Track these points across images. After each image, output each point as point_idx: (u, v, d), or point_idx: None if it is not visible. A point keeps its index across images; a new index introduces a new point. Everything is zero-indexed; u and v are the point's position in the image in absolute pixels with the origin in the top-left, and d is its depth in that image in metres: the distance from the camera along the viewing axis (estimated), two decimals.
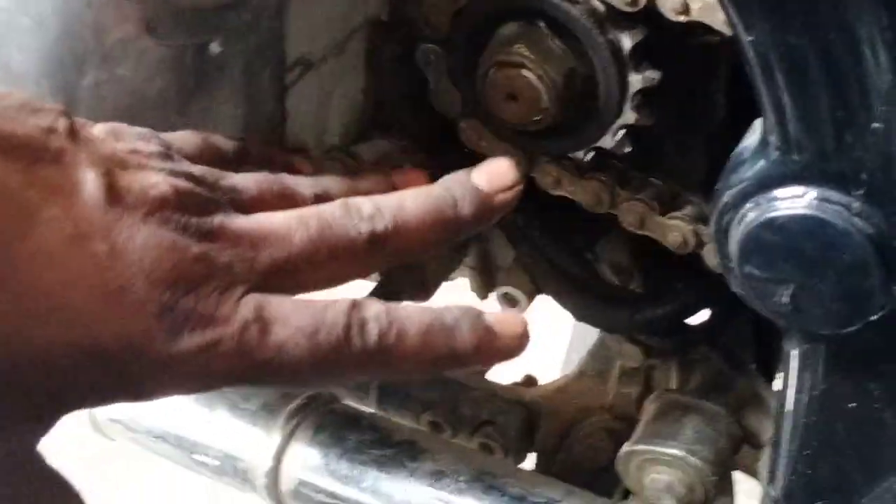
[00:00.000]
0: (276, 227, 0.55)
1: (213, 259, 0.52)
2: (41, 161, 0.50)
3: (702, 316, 0.91)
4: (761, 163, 0.57)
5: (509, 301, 0.93)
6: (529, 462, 1.04)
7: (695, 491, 0.82)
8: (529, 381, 1.07)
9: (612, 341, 0.92)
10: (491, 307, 0.96)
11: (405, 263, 0.69)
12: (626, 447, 0.85)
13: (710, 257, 0.76)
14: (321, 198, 0.61)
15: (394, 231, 0.58)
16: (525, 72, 0.71)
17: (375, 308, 0.55)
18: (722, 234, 0.60)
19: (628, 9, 0.67)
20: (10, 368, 0.46)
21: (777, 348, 0.96)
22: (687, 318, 0.88)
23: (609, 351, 0.96)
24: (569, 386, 1.01)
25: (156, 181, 0.53)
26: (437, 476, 0.84)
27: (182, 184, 0.54)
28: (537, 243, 0.87)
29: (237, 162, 0.64)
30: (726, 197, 0.59)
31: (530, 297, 0.90)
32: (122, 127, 0.57)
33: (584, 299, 0.87)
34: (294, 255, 0.55)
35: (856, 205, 0.55)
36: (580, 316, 0.88)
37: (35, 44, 0.63)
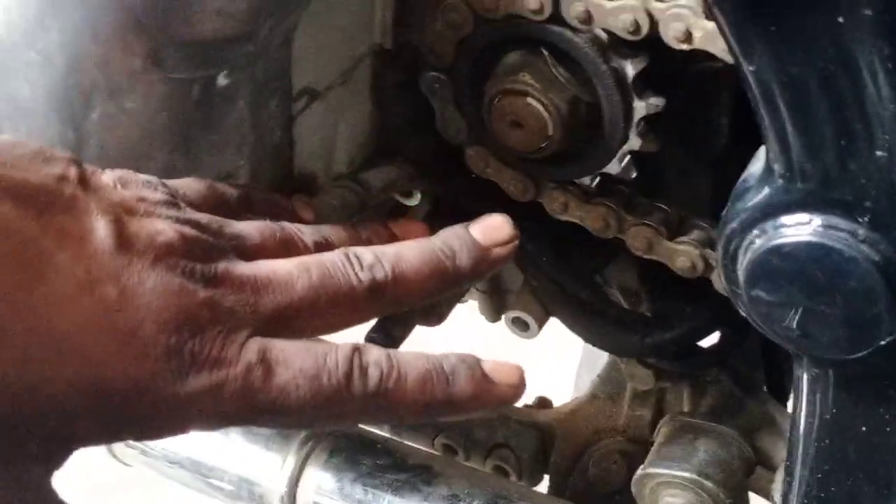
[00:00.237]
0: (279, 273, 0.57)
1: (218, 303, 0.54)
2: (54, 208, 0.52)
3: (712, 339, 0.91)
4: (766, 190, 0.57)
5: (520, 325, 0.93)
6: (543, 485, 1.04)
7: None
8: (543, 403, 1.07)
9: (622, 364, 0.92)
10: (501, 331, 0.97)
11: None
12: (640, 471, 0.85)
13: (719, 282, 0.76)
14: (322, 246, 0.62)
15: (393, 280, 0.60)
16: (530, 100, 0.71)
17: (376, 354, 0.56)
18: (729, 261, 0.60)
19: (631, 37, 0.68)
20: (23, 408, 0.48)
21: (787, 370, 0.96)
22: (697, 341, 0.88)
23: (620, 374, 0.96)
24: (581, 408, 1.00)
25: (162, 228, 0.55)
26: (451, 500, 0.84)
27: (188, 231, 0.56)
28: (546, 268, 0.87)
29: (241, 209, 0.66)
30: (733, 223, 0.59)
31: (540, 322, 0.90)
32: (129, 174, 0.58)
33: (593, 323, 0.87)
34: (296, 302, 0.56)
35: (861, 232, 0.55)
36: (590, 340, 0.88)
37: (42, 78, 0.63)
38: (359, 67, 0.79)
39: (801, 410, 0.66)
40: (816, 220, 0.56)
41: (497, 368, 0.60)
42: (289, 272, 0.57)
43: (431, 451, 1.03)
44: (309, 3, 0.67)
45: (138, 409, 0.51)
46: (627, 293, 0.95)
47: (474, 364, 0.59)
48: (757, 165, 0.58)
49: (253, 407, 0.53)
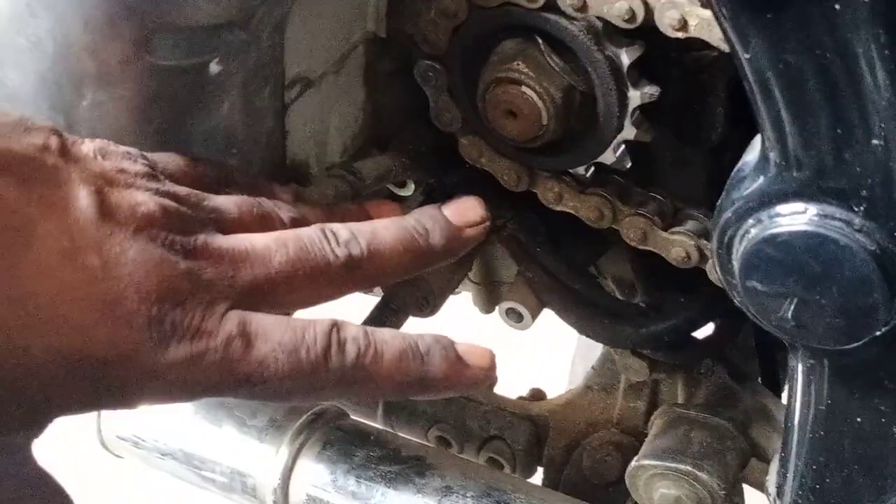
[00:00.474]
0: (257, 247, 0.58)
1: (198, 275, 0.55)
2: (37, 177, 0.52)
3: (706, 330, 0.91)
4: (762, 179, 0.57)
5: (514, 316, 0.92)
6: (537, 477, 1.04)
7: None
8: (536, 395, 1.07)
9: (616, 356, 0.92)
10: (495, 322, 0.96)
11: (376, 286, 0.74)
12: (634, 462, 0.85)
13: (713, 272, 0.76)
14: (298, 222, 0.63)
15: (368, 256, 0.61)
16: (524, 88, 0.71)
17: (354, 330, 0.58)
18: (724, 251, 0.60)
19: (626, 25, 0.67)
20: (6, 374, 0.48)
21: (781, 361, 0.96)
22: (691, 332, 0.87)
23: (614, 365, 0.95)
24: (575, 400, 1.00)
25: (143, 199, 0.55)
26: (445, 492, 0.84)
27: (167, 203, 0.56)
28: (540, 258, 0.87)
29: (220, 185, 0.66)
30: (728, 213, 0.59)
31: (534, 313, 0.90)
32: (109, 145, 0.58)
33: (588, 314, 0.86)
34: (273, 275, 0.57)
35: (857, 221, 0.54)
36: (584, 331, 0.87)
37: (32, 65, 0.63)
38: (352, 55, 0.79)
39: (796, 401, 0.65)
40: (812, 210, 0.56)
41: (470, 351, 0.61)
42: (266, 246, 0.58)
43: (425, 442, 1.03)
44: None
45: (119, 378, 0.52)
46: (621, 284, 0.95)
47: (448, 345, 0.61)
48: (752, 154, 0.58)
49: (232, 378, 0.55)
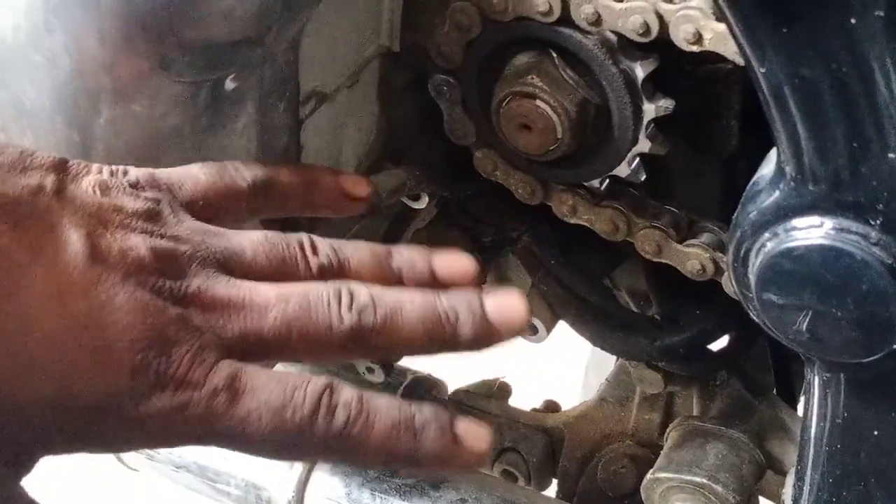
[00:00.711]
0: (255, 299, 0.55)
1: (187, 322, 0.53)
2: (28, 221, 0.51)
3: (721, 342, 0.91)
4: (778, 193, 0.57)
5: (529, 329, 0.93)
6: (552, 489, 1.04)
7: None
8: (551, 407, 1.07)
9: (631, 368, 0.92)
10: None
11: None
12: (649, 475, 0.85)
13: (729, 285, 0.76)
14: (328, 271, 0.59)
15: (381, 329, 0.56)
16: (539, 102, 0.71)
17: (348, 395, 0.54)
18: (740, 264, 0.60)
19: (641, 39, 0.67)
20: None
21: (796, 373, 0.96)
22: (706, 344, 0.87)
23: (629, 378, 0.95)
24: (590, 412, 1.00)
25: (134, 243, 0.54)
26: None
27: (162, 245, 0.55)
28: (555, 271, 0.87)
29: (256, 196, 0.64)
30: (744, 226, 0.59)
31: (549, 325, 0.90)
32: (112, 179, 0.57)
33: (603, 327, 0.86)
34: (264, 332, 0.55)
35: (874, 234, 0.54)
36: (599, 343, 0.87)
37: (48, 81, 0.63)
38: (366, 70, 0.79)
39: (812, 414, 0.65)
40: (828, 223, 0.55)
41: (468, 431, 0.56)
42: (265, 299, 0.55)
43: None
44: (317, 5, 0.67)
45: (101, 425, 0.51)
46: (636, 296, 0.95)
47: (446, 424, 0.56)
48: (768, 168, 0.58)
49: (213, 432, 0.52)
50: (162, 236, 0.56)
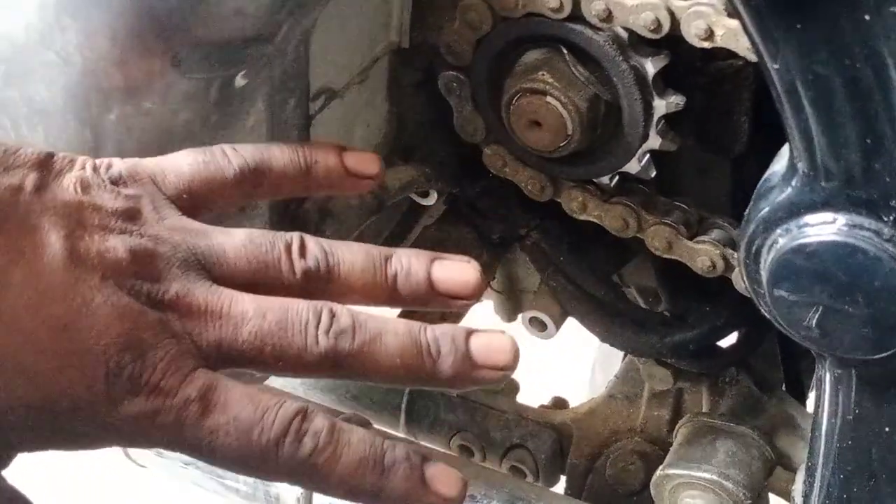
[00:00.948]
0: (233, 309, 0.54)
1: (164, 327, 0.52)
2: (5, 224, 0.51)
3: (730, 338, 0.91)
4: (790, 189, 0.57)
5: (537, 325, 0.93)
6: (560, 486, 1.04)
7: None
8: (559, 403, 1.07)
9: (640, 364, 0.92)
10: (518, 330, 0.96)
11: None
12: (659, 471, 0.85)
13: (739, 281, 0.76)
14: (315, 278, 0.57)
15: (356, 355, 0.55)
16: (549, 99, 0.71)
17: (320, 423, 0.53)
18: (751, 260, 0.60)
19: (652, 35, 0.67)
20: None
21: (805, 369, 0.96)
22: (716, 341, 0.87)
23: (638, 374, 0.95)
24: (598, 409, 1.00)
25: (112, 245, 0.53)
26: (468, 501, 0.84)
27: (142, 246, 0.54)
28: (564, 267, 0.87)
29: (245, 182, 0.62)
30: (756, 223, 0.59)
31: (558, 322, 0.90)
32: (93, 177, 0.56)
33: (612, 323, 0.86)
34: (239, 344, 0.54)
35: (887, 231, 0.54)
36: (608, 340, 0.87)
37: (60, 79, 0.63)
38: (376, 66, 0.79)
39: (823, 411, 0.65)
40: (841, 220, 0.55)
41: (439, 476, 0.55)
42: (244, 310, 0.54)
43: (448, 451, 1.03)
44: (328, 2, 0.67)
45: (77, 426, 0.51)
46: (645, 293, 0.95)
47: (417, 464, 0.55)
48: (780, 164, 0.58)
49: (182, 441, 0.52)
50: (141, 236, 0.55)
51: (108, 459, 1.08)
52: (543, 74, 0.71)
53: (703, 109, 0.74)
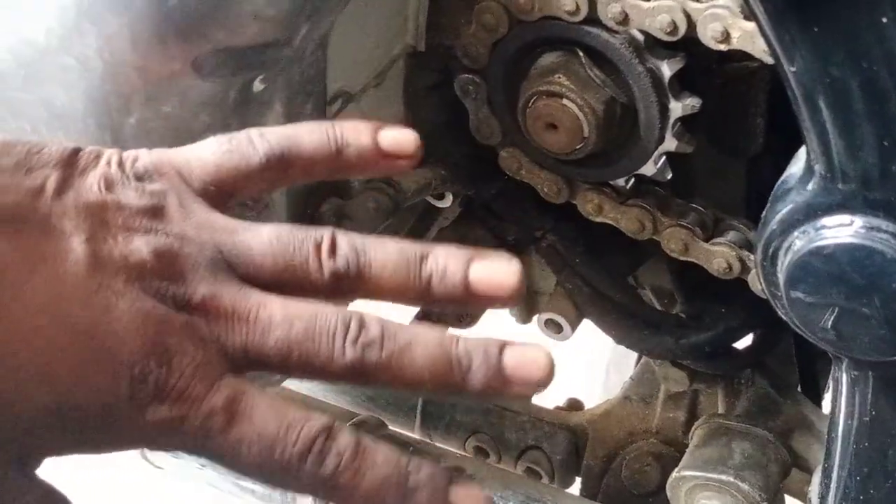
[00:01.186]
0: (261, 314, 0.53)
1: (190, 332, 0.51)
2: (26, 228, 0.50)
3: (746, 340, 0.91)
4: (807, 191, 0.57)
5: (553, 327, 0.93)
6: (575, 487, 1.04)
7: None
8: (574, 405, 1.07)
9: (656, 366, 0.92)
10: (533, 332, 0.96)
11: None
12: (675, 473, 0.85)
13: (755, 283, 0.76)
14: (344, 278, 0.56)
15: (384, 367, 0.53)
16: (565, 101, 0.71)
17: (344, 442, 0.52)
18: (769, 262, 0.60)
19: (668, 38, 0.67)
20: None
21: (821, 371, 0.96)
22: (731, 342, 0.87)
23: (653, 376, 0.95)
24: (614, 410, 1.00)
25: (136, 246, 0.52)
26: None
27: (167, 246, 0.53)
28: (579, 270, 0.87)
29: (272, 169, 0.59)
30: (773, 225, 0.59)
31: (573, 324, 0.90)
32: (117, 174, 0.55)
33: (628, 325, 0.87)
34: (266, 350, 0.53)
35: None
36: (624, 342, 0.87)
37: (80, 83, 0.63)
38: (392, 69, 0.79)
39: (840, 412, 0.65)
40: (858, 222, 0.55)
41: (463, 498, 0.53)
42: (271, 316, 0.53)
43: (463, 453, 1.03)
44: (345, 6, 0.67)
45: (100, 432, 0.51)
46: (660, 294, 0.95)
47: (442, 487, 0.53)
48: (797, 166, 0.58)
49: (205, 450, 0.51)
50: (167, 235, 0.53)
51: (125, 461, 1.09)
52: (559, 77, 0.71)
53: (719, 111, 0.74)
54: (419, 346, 0.54)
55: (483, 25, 0.73)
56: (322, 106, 0.73)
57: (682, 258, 0.78)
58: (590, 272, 0.87)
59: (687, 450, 0.87)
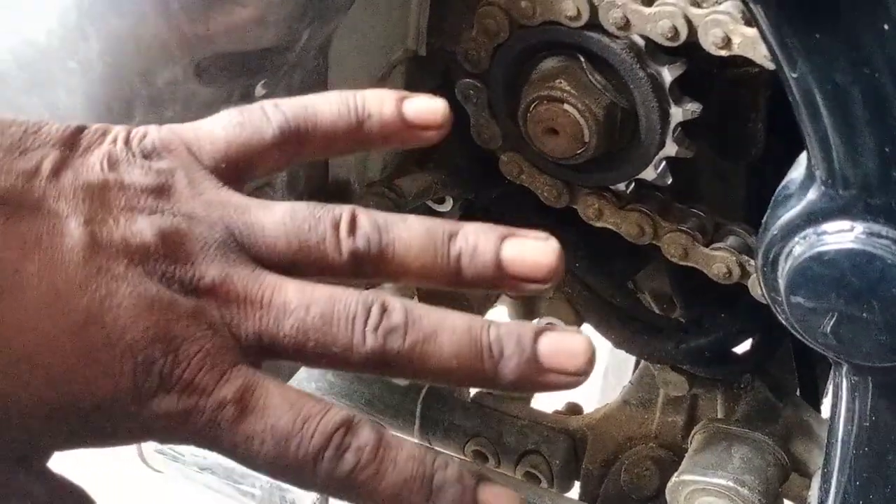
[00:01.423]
0: (276, 299, 0.50)
1: (199, 317, 0.48)
2: (21, 212, 0.48)
3: (745, 345, 0.91)
4: (807, 197, 0.57)
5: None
6: (574, 491, 1.04)
7: None
8: (573, 409, 1.07)
9: (655, 371, 0.92)
10: None
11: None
12: (675, 477, 0.85)
13: (755, 287, 0.76)
14: (365, 259, 0.52)
15: (407, 355, 0.50)
16: (566, 106, 0.71)
17: (365, 437, 0.48)
18: (769, 268, 0.60)
19: (669, 43, 0.68)
20: None
21: (820, 375, 0.96)
22: (731, 347, 0.87)
23: (652, 380, 0.96)
24: (613, 414, 1.00)
25: (139, 228, 0.49)
26: None
27: (173, 227, 0.49)
28: (579, 274, 0.87)
29: (288, 143, 0.55)
30: (774, 230, 0.59)
31: (573, 328, 0.90)
32: (122, 152, 0.51)
33: (627, 330, 0.87)
34: (280, 337, 0.50)
35: None
36: (623, 346, 0.88)
37: (83, 87, 0.63)
38: (393, 74, 0.79)
39: (839, 417, 0.65)
40: (859, 228, 0.56)
41: (495, 498, 0.50)
42: (287, 301, 0.50)
43: (462, 457, 1.03)
44: (347, 11, 0.67)
45: (102, 425, 0.48)
46: (659, 299, 0.95)
47: (470, 486, 0.49)
48: (798, 172, 0.58)
49: (215, 443, 0.48)
50: (174, 215, 0.50)
51: (125, 463, 1.09)
52: (560, 82, 0.71)
53: (720, 117, 0.74)
54: (446, 333, 0.50)
55: (484, 30, 0.74)
56: None
57: (681, 263, 0.78)
58: (590, 277, 0.87)
59: (686, 454, 0.87)
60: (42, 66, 0.63)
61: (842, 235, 0.56)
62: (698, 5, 0.66)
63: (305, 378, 1.06)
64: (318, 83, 0.71)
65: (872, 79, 0.50)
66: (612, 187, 0.79)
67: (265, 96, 0.66)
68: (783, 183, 0.59)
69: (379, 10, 0.75)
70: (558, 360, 0.49)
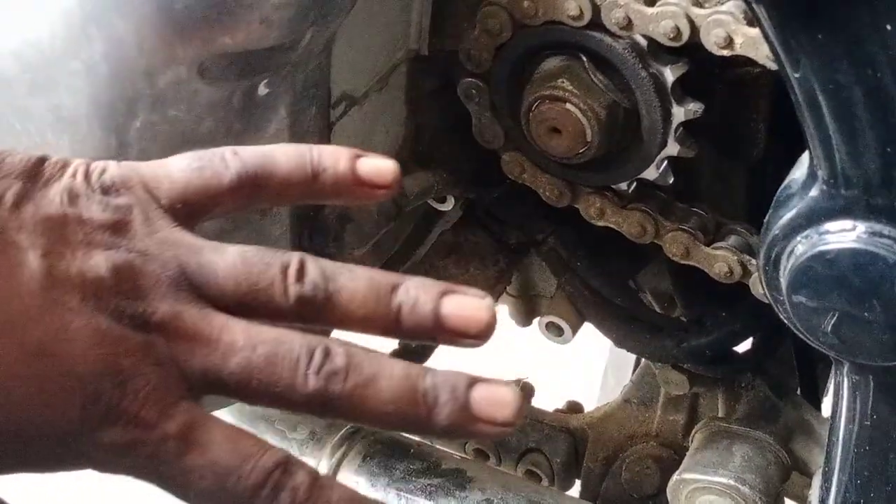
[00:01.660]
0: (223, 337, 0.51)
1: (147, 352, 0.50)
2: None
3: (746, 344, 0.91)
4: (810, 196, 0.57)
5: (554, 330, 0.93)
6: (575, 489, 1.04)
7: None
8: (573, 407, 1.07)
9: (656, 369, 0.92)
10: (532, 335, 0.97)
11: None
12: (675, 476, 0.85)
13: (757, 287, 0.76)
14: (311, 304, 0.53)
15: (347, 398, 0.51)
16: (569, 106, 0.72)
17: (300, 478, 0.50)
18: (771, 267, 0.60)
19: (671, 43, 0.68)
20: None
21: (821, 374, 0.96)
22: (732, 346, 0.88)
23: (653, 379, 0.96)
24: (614, 413, 1.01)
25: (95, 263, 0.50)
26: None
27: (126, 263, 0.51)
28: (581, 273, 0.87)
29: (243, 189, 0.57)
30: (775, 230, 0.59)
31: (575, 327, 0.90)
32: (82, 186, 0.53)
33: (629, 328, 0.87)
34: (225, 375, 0.51)
35: None
36: (625, 345, 0.88)
37: (86, 87, 0.64)
38: (395, 73, 0.79)
39: (840, 416, 0.66)
40: (861, 227, 0.56)
41: None
42: (233, 341, 0.51)
43: (463, 455, 1.03)
44: (350, 10, 0.67)
45: (48, 452, 0.49)
46: (660, 298, 0.95)
47: None
48: (800, 171, 0.58)
49: (155, 475, 0.50)
50: (129, 251, 0.51)
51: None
52: (563, 81, 0.72)
53: (722, 116, 0.74)
54: (384, 379, 0.52)
55: (486, 30, 0.74)
56: (326, 110, 0.73)
57: (683, 262, 0.78)
58: (591, 276, 0.87)
59: (687, 453, 0.87)
60: (46, 67, 0.64)
61: (844, 235, 0.56)
62: (700, 5, 0.66)
63: None
64: (321, 82, 0.71)
65: (874, 79, 0.50)
66: (613, 187, 0.79)
67: (268, 95, 0.66)
68: (785, 182, 0.59)
69: (381, 10, 0.75)
70: (489, 410, 0.51)
